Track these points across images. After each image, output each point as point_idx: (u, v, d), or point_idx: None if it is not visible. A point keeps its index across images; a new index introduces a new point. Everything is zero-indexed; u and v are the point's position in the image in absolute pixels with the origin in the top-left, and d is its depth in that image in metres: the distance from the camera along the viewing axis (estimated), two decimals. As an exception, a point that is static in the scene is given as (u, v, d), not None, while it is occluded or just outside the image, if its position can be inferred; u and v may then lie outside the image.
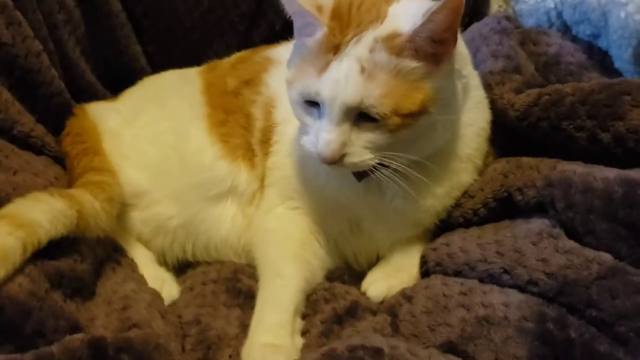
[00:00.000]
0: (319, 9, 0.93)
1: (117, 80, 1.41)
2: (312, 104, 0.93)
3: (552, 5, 1.27)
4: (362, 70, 0.88)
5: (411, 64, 0.89)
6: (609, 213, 0.85)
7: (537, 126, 1.06)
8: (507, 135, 1.12)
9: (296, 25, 0.97)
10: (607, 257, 0.84)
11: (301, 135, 0.97)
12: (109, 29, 1.39)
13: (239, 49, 1.42)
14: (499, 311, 0.87)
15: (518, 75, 1.15)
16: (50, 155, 1.14)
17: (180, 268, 1.19)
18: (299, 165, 1.08)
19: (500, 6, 1.40)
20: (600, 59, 1.21)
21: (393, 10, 0.92)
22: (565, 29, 1.28)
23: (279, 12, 1.43)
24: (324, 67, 0.91)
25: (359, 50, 0.89)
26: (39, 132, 1.14)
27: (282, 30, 1.45)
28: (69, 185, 1.08)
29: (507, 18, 1.27)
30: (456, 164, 1.04)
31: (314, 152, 0.93)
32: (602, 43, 1.20)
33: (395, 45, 0.89)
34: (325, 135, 0.90)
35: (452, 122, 0.99)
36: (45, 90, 1.19)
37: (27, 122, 1.11)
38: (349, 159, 0.92)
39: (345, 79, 0.88)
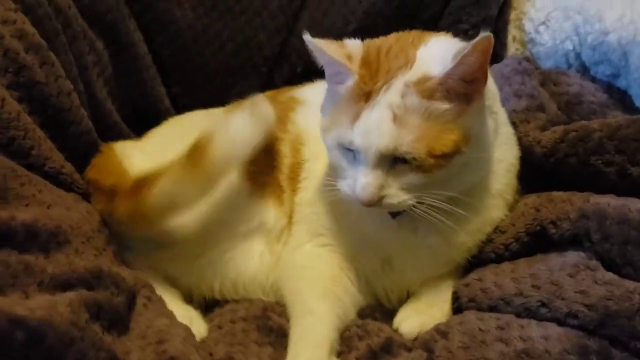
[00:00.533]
0: (349, 57, 0.96)
1: (141, 121, 1.44)
2: (348, 148, 0.95)
3: (571, 47, 1.30)
4: (394, 117, 0.91)
5: (443, 105, 0.91)
6: (647, 244, 0.86)
7: (564, 162, 1.07)
8: (532, 172, 1.13)
9: (327, 72, 1.00)
10: (648, 287, 0.84)
11: (338, 179, 0.99)
12: (135, 71, 1.42)
13: (261, 91, 1.45)
14: (539, 344, 0.86)
15: (542, 114, 1.17)
16: (79, 192, 1.15)
17: (207, 306, 1.17)
18: (329, 202, 1.08)
19: (517, 49, 1.44)
20: (620, 98, 1.23)
21: (421, 54, 0.95)
22: (584, 70, 1.31)
23: (301, 55, 1.51)
24: (356, 116, 0.93)
25: (390, 97, 0.92)
26: (68, 169, 1.14)
27: (303, 72, 1.49)
28: (104, 209, 1.10)
29: (527, 59, 1.30)
30: (488, 199, 1.04)
31: (352, 196, 0.95)
32: (621, 83, 1.23)
33: (426, 88, 0.91)
34: (363, 179, 0.92)
35: (485, 159, 1.00)
36: (75, 129, 1.20)
37: (57, 159, 1.12)
38: (387, 201, 0.94)
39: (377, 128, 0.91)
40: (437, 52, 0.94)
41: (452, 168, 0.93)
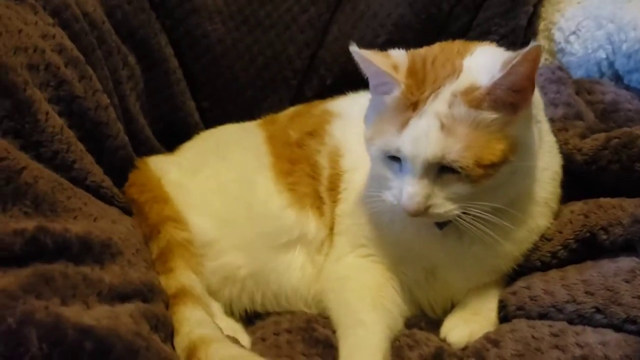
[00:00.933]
0: (395, 67, 0.96)
1: (171, 135, 1.44)
2: (393, 159, 0.95)
3: (604, 56, 1.31)
4: (442, 126, 0.90)
5: (490, 115, 0.91)
6: None
7: (607, 169, 1.07)
8: (572, 181, 1.13)
9: (372, 83, 1.00)
10: None
11: (382, 190, 0.98)
12: (166, 85, 1.43)
13: (291, 104, 1.46)
14: (598, 350, 0.86)
15: (580, 122, 1.18)
16: (119, 206, 1.14)
17: (248, 319, 1.16)
18: (372, 213, 1.08)
19: (546, 59, 1.44)
20: (656, 105, 1.24)
21: (468, 64, 0.95)
22: (617, 79, 1.31)
23: (331, 68, 1.51)
24: (403, 124, 0.93)
25: (437, 106, 0.92)
26: (108, 183, 1.14)
27: (332, 85, 1.49)
28: (146, 233, 1.08)
29: (560, 68, 1.31)
30: (534, 208, 1.04)
31: (398, 206, 0.94)
32: (656, 91, 1.24)
33: (474, 98, 0.91)
34: (409, 189, 0.92)
35: (531, 168, 1.00)
36: (112, 144, 1.20)
37: (98, 173, 1.12)
38: (433, 210, 0.93)
39: (425, 136, 0.90)
40: (484, 62, 0.95)
41: (499, 177, 0.93)
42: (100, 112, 1.17)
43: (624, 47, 1.24)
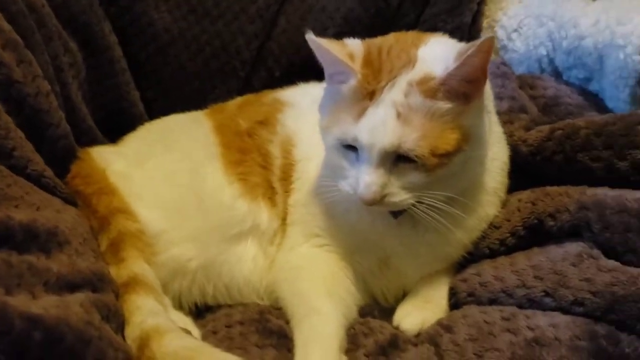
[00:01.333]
0: (351, 56, 0.96)
1: (114, 126, 1.39)
2: (349, 148, 0.95)
3: (545, 53, 1.35)
4: (398, 115, 0.91)
5: (445, 105, 0.92)
6: (647, 231, 0.89)
7: (551, 160, 1.11)
8: (517, 171, 1.16)
9: (328, 72, 1.00)
10: (651, 272, 0.87)
11: (338, 179, 0.98)
12: (109, 74, 1.38)
13: (239, 95, 1.43)
14: (549, 332, 0.88)
15: (525, 114, 1.22)
16: (61, 197, 1.09)
17: (197, 313, 1.13)
18: (327, 202, 1.08)
19: (489, 56, 1.48)
20: (593, 100, 1.29)
21: (422, 54, 0.96)
22: (557, 75, 1.36)
23: (279, 59, 1.50)
24: (360, 113, 0.93)
25: (393, 95, 0.92)
26: (49, 173, 1.09)
27: (281, 76, 1.48)
28: (94, 225, 1.05)
29: (504, 64, 1.35)
30: (484, 197, 1.06)
31: (354, 195, 0.95)
32: (593, 86, 1.29)
33: (429, 88, 0.92)
34: (366, 178, 0.92)
35: (482, 157, 1.02)
36: (53, 132, 1.15)
37: (39, 161, 1.07)
38: (389, 199, 0.94)
39: (382, 125, 0.91)
40: (438, 53, 0.96)
41: (453, 167, 0.94)
42: (40, 98, 1.12)
43: (564, 44, 1.29)
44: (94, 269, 0.83)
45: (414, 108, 0.92)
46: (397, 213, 1.01)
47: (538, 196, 1.05)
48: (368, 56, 0.97)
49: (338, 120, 0.96)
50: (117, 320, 0.80)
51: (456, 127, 0.93)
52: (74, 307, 0.71)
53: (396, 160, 0.93)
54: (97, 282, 0.81)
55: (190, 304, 1.12)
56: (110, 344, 0.71)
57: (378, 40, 1.02)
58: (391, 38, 1.02)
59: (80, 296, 0.75)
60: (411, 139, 0.91)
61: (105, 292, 0.82)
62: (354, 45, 1.00)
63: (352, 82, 0.95)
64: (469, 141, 0.95)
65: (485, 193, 1.07)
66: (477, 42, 0.90)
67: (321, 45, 0.96)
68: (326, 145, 1.00)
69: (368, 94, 0.94)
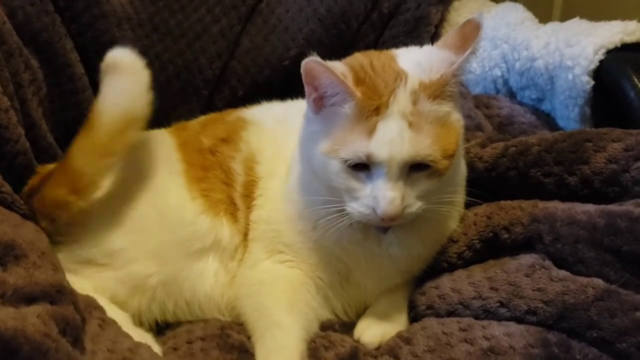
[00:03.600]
0: (344, 77, 0.95)
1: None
2: (358, 168, 0.94)
3: (499, 74, 1.40)
4: (410, 124, 0.93)
5: (447, 105, 0.96)
6: (595, 242, 0.93)
7: (505, 176, 1.14)
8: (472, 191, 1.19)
9: (319, 94, 0.97)
10: (599, 281, 0.90)
11: (347, 202, 0.97)
12: (71, 92, 1.37)
13: (202, 114, 1.44)
14: (503, 341, 0.90)
15: (480, 132, 1.25)
16: (19, 212, 1.08)
17: (157, 330, 1.13)
18: (292, 218, 1.09)
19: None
20: (546, 119, 1.34)
21: (404, 65, 0.98)
22: (511, 95, 1.41)
23: (242, 79, 1.52)
24: (371, 130, 0.93)
25: (401, 106, 0.93)
26: (7, 188, 1.08)
27: (244, 96, 1.50)
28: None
29: (461, 84, 1.39)
30: (449, 211, 1.07)
31: (370, 214, 0.94)
32: (546, 106, 1.34)
33: (433, 91, 0.94)
34: (388, 193, 0.92)
35: (461, 157, 1.06)
36: (12, 148, 1.14)
37: (-5, 177, 1.06)
38: (407, 211, 0.94)
39: (399, 137, 0.92)
40: (418, 60, 0.99)
41: (454, 166, 0.98)
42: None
43: (517, 65, 1.34)
44: (52, 281, 0.82)
45: (422, 114, 0.93)
46: (387, 228, 1.02)
47: (493, 210, 1.08)
48: (356, 75, 0.96)
49: (345, 141, 0.94)
50: (74, 333, 0.79)
51: (452, 127, 0.97)
52: (31, 318, 0.70)
53: (409, 170, 0.94)
54: (55, 294, 0.81)
55: (150, 320, 1.12)
56: (68, 356, 0.71)
57: (354, 60, 1.01)
58: (360, 57, 1.02)
59: (37, 308, 0.74)
60: (426, 145, 0.92)
61: (64, 304, 0.81)
62: (339, 66, 0.98)
63: (352, 102, 0.94)
64: (461, 137, 0.99)
65: (452, 207, 1.09)
66: (476, 39, 0.96)
67: (324, 67, 0.93)
68: (330, 170, 0.97)
69: (373, 110, 0.94)
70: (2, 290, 0.75)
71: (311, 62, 0.94)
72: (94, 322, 0.95)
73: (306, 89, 0.98)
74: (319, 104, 0.98)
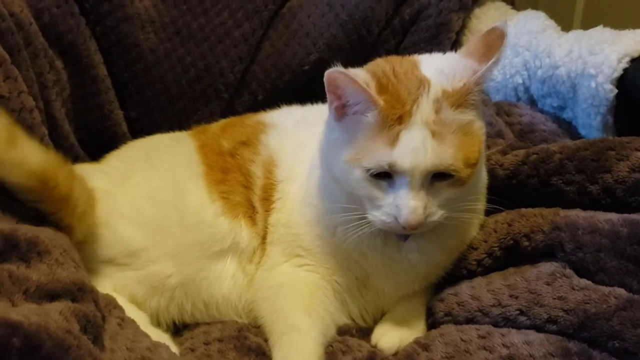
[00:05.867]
0: (367, 85, 0.94)
1: (97, 145, 1.40)
2: (381, 177, 0.94)
3: (521, 81, 1.39)
4: (433, 133, 0.92)
5: (470, 113, 0.96)
6: (617, 251, 0.92)
7: (526, 183, 1.13)
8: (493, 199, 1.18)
9: (342, 103, 0.96)
10: (621, 290, 0.89)
11: (369, 211, 0.96)
12: (94, 93, 1.39)
13: (222, 118, 1.45)
14: (523, 349, 0.90)
15: (501, 140, 1.25)
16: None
17: (175, 331, 1.13)
18: (311, 222, 1.09)
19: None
20: (567, 127, 1.33)
21: (427, 72, 0.98)
22: (532, 103, 1.40)
23: (262, 83, 1.53)
24: (394, 139, 0.92)
25: (424, 115, 0.93)
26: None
27: (263, 100, 1.50)
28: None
29: (482, 91, 1.38)
30: (467, 218, 1.07)
31: (392, 223, 0.94)
32: (567, 114, 1.33)
33: (457, 99, 0.94)
34: (411, 203, 0.92)
35: (483, 168, 1.06)
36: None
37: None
38: (430, 219, 0.94)
39: (422, 146, 0.91)
40: (442, 68, 0.98)
41: (476, 174, 0.98)
42: (24, 114, 1.13)
43: (539, 72, 1.33)
44: (74, 278, 0.83)
45: (445, 123, 0.93)
46: (407, 236, 1.02)
47: (514, 217, 1.07)
48: (379, 83, 0.96)
49: (367, 150, 0.94)
50: (95, 330, 0.80)
51: (475, 135, 0.96)
52: (53, 315, 0.71)
53: (432, 179, 0.94)
54: (76, 292, 0.82)
55: (168, 321, 1.12)
56: (90, 353, 0.71)
57: (376, 67, 1.01)
58: (384, 63, 1.02)
59: (59, 305, 0.75)
60: (449, 154, 0.92)
61: (85, 301, 0.82)
62: (361, 74, 0.97)
63: (375, 111, 0.93)
64: (482, 145, 0.98)
65: (474, 214, 1.08)
66: (500, 49, 0.95)
67: (348, 77, 0.92)
68: (352, 179, 0.96)
69: (396, 119, 0.93)
70: (25, 286, 0.76)
71: (335, 72, 0.93)
72: (113, 320, 0.96)
73: (328, 97, 0.98)
74: (341, 112, 0.98)
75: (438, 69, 0.98)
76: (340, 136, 0.99)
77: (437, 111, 0.93)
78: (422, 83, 0.96)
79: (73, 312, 0.76)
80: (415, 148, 0.91)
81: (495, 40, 0.98)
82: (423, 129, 0.92)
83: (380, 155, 0.93)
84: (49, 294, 0.78)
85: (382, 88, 0.95)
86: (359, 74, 0.97)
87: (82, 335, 0.73)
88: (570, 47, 1.27)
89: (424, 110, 0.93)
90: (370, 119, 0.94)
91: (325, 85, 0.96)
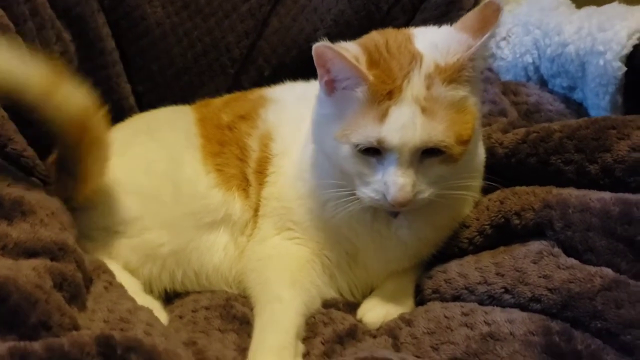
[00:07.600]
0: (357, 60, 0.93)
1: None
2: (370, 153, 0.93)
3: (530, 60, 1.36)
4: (423, 109, 0.90)
5: (460, 91, 0.93)
6: (607, 230, 0.89)
7: (525, 162, 1.10)
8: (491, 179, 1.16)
9: (330, 78, 0.95)
10: (608, 270, 0.87)
11: (358, 187, 0.96)
12: (101, 66, 1.41)
13: (228, 92, 1.46)
14: (504, 327, 0.88)
15: (504, 118, 1.22)
16: (39, 177, 1.11)
17: (167, 299, 1.15)
18: (302, 196, 1.08)
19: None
20: (576, 109, 1.29)
21: (421, 45, 0.96)
22: (542, 83, 1.37)
23: (269, 59, 1.52)
24: (383, 115, 0.91)
25: (415, 90, 0.91)
26: (30, 153, 1.11)
27: (270, 76, 1.50)
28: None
29: (490, 69, 1.35)
30: (460, 194, 1.05)
31: (381, 200, 0.93)
32: (577, 95, 1.29)
33: (448, 76, 0.92)
34: (399, 179, 0.90)
35: (477, 143, 1.03)
36: (40, 117, 1.18)
37: (20, 141, 1.09)
38: (419, 197, 0.93)
39: (412, 123, 0.89)
40: (435, 42, 0.96)
41: (468, 152, 0.95)
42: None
43: (549, 51, 1.29)
44: (56, 239, 0.85)
45: (436, 99, 0.91)
46: (397, 212, 1.01)
47: (506, 195, 1.05)
48: (370, 57, 0.94)
49: (356, 126, 0.92)
50: (72, 290, 0.82)
51: (468, 112, 0.94)
52: (25, 270, 0.73)
53: (422, 156, 0.92)
54: (57, 251, 0.83)
55: (160, 289, 1.14)
56: (59, 308, 0.72)
57: (369, 41, 0.99)
58: (378, 36, 1.00)
59: (35, 262, 0.77)
60: (439, 131, 0.90)
61: (65, 261, 0.84)
62: (352, 48, 0.96)
63: (364, 86, 0.92)
64: (477, 122, 0.96)
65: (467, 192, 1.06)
66: (493, 24, 0.92)
67: (335, 52, 0.91)
68: (341, 155, 0.96)
69: (386, 95, 0.91)
70: (3, 242, 0.78)
71: (322, 47, 0.92)
72: (100, 284, 0.98)
73: (318, 71, 0.97)
74: (331, 87, 0.97)
75: (432, 43, 0.96)
76: (330, 111, 0.98)
77: (429, 87, 0.91)
78: (415, 57, 0.93)
79: (48, 270, 0.77)
80: (404, 124, 0.90)
81: (491, 15, 0.95)
82: (413, 104, 0.91)
83: (368, 131, 0.91)
84: (27, 252, 0.80)
85: (372, 62, 0.94)
86: (350, 48, 0.96)
87: (54, 292, 0.75)
88: (580, 23, 1.23)
89: (415, 85, 0.91)
90: (360, 94, 0.93)
91: (314, 59, 0.95)
